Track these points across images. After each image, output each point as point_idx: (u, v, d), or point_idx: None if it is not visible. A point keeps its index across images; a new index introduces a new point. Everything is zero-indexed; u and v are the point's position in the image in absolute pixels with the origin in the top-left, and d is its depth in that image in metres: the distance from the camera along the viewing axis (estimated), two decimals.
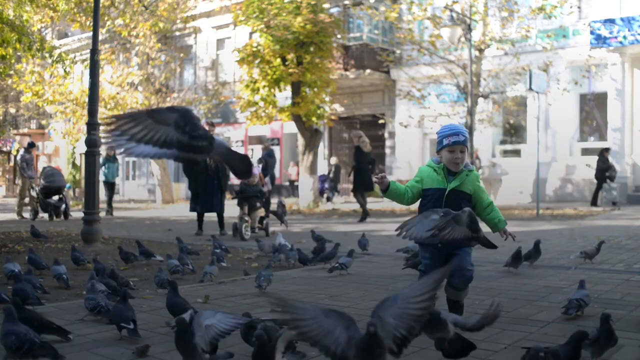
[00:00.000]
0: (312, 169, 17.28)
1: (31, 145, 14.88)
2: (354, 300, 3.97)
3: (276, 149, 24.74)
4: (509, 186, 18.73)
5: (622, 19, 15.66)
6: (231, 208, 10.27)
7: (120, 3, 18.17)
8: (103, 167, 15.84)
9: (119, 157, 17.72)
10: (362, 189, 12.03)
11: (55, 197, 14.30)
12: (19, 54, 10.83)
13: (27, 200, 14.75)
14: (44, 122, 29.12)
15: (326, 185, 20.39)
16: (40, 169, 17.63)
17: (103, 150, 14.66)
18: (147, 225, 11.87)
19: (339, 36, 18.84)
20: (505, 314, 3.44)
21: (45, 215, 14.17)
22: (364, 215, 12.07)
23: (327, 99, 18.03)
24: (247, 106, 17.49)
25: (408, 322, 1.98)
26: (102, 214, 15.53)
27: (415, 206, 3.35)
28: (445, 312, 2.54)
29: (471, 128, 14.73)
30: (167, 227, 11.06)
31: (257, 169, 9.49)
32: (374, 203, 19.51)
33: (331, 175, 20.68)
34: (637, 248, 6.61)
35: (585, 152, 17.88)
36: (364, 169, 11.79)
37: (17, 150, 34.57)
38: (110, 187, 16.08)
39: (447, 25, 14.39)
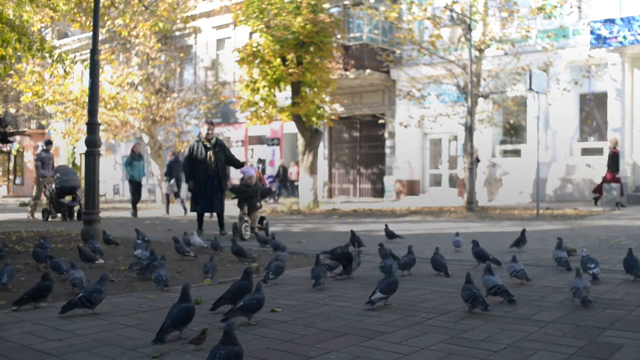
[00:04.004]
0: (312, 169, 17.28)
1: (48, 143, 14.77)
2: (354, 300, 3.97)
3: (276, 149, 24.77)
4: (509, 186, 18.74)
5: (622, 19, 15.66)
6: (231, 208, 10.27)
7: (120, 3, 18.16)
8: (128, 167, 15.68)
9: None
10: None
11: (69, 198, 14.07)
12: (19, 54, 10.84)
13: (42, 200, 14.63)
14: (44, 122, 29.12)
15: (274, 187, 21.94)
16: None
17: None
18: (147, 225, 11.85)
19: (339, 36, 18.83)
20: (505, 314, 3.45)
21: (59, 216, 14.04)
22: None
23: (327, 99, 18.01)
24: (247, 106, 17.48)
25: None
26: (128, 214, 15.54)
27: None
28: None
29: (471, 128, 14.74)
30: (167, 227, 11.06)
31: (255, 169, 9.48)
32: (374, 203, 19.50)
33: (279, 175, 22.85)
34: (637, 248, 6.60)
35: (585, 152, 17.89)
36: None
37: (17, 151, 34.68)
38: (137, 186, 15.64)
39: (447, 25, 14.38)
